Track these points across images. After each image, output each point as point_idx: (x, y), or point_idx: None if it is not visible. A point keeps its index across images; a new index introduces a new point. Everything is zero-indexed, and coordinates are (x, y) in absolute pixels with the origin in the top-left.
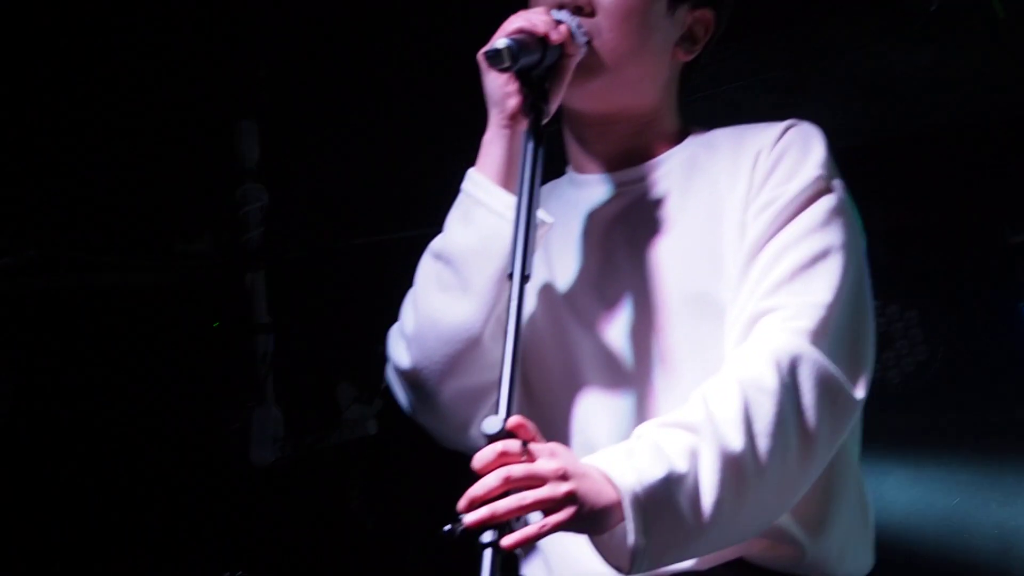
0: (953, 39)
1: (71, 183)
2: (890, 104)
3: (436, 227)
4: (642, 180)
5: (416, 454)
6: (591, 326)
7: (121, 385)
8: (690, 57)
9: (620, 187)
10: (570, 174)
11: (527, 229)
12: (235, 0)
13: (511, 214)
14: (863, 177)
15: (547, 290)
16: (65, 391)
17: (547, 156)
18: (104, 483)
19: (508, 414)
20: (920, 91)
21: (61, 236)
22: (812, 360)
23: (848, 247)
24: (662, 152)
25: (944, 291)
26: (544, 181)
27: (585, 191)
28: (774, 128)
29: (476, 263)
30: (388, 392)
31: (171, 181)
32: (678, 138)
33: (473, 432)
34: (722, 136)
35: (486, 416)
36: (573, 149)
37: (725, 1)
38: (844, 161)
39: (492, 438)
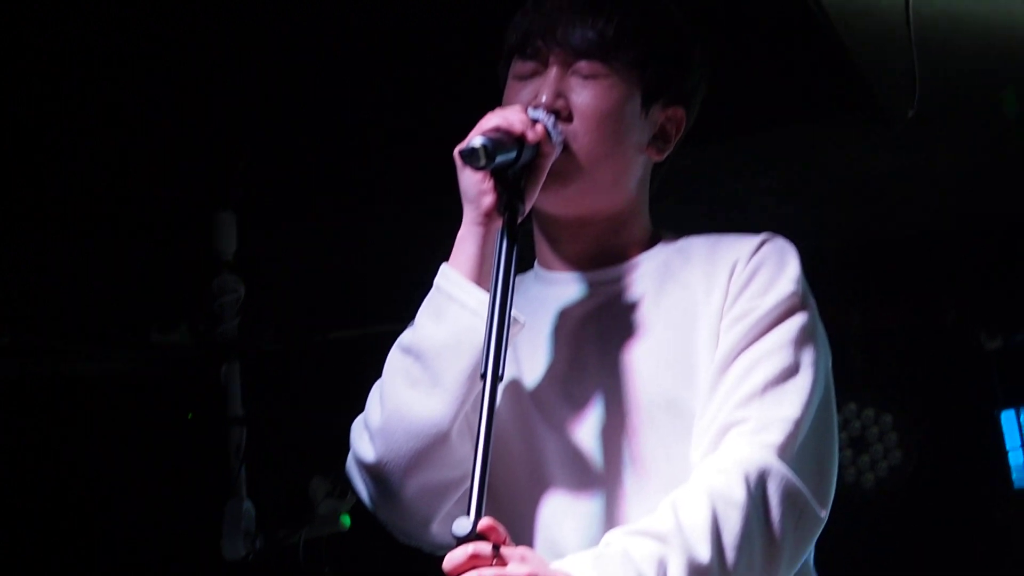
0: (931, 144)
1: (48, 271)
2: (867, 207)
3: (411, 322)
4: (614, 282)
5: (389, 551)
6: (558, 426)
7: (93, 474)
8: (662, 156)
9: (592, 287)
10: (537, 270)
11: (500, 328)
12: (213, 92)
13: (483, 311)
14: (841, 279)
15: (514, 387)
16: (36, 479)
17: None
18: (74, 574)
19: (479, 516)
20: (897, 194)
21: (36, 323)
22: (780, 475)
23: (818, 366)
24: (635, 255)
25: (920, 396)
26: None
27: (554, 288)
28: (750, 240)
29: (447, 359)
30: None
31: (148, 271)
32: (650, 242)
33: (434, 529)
34: (695, 244)
35: (447, 513)
36: (543, 247)
37: (695, 98)
38: (821, 263)
39: (462, 540)
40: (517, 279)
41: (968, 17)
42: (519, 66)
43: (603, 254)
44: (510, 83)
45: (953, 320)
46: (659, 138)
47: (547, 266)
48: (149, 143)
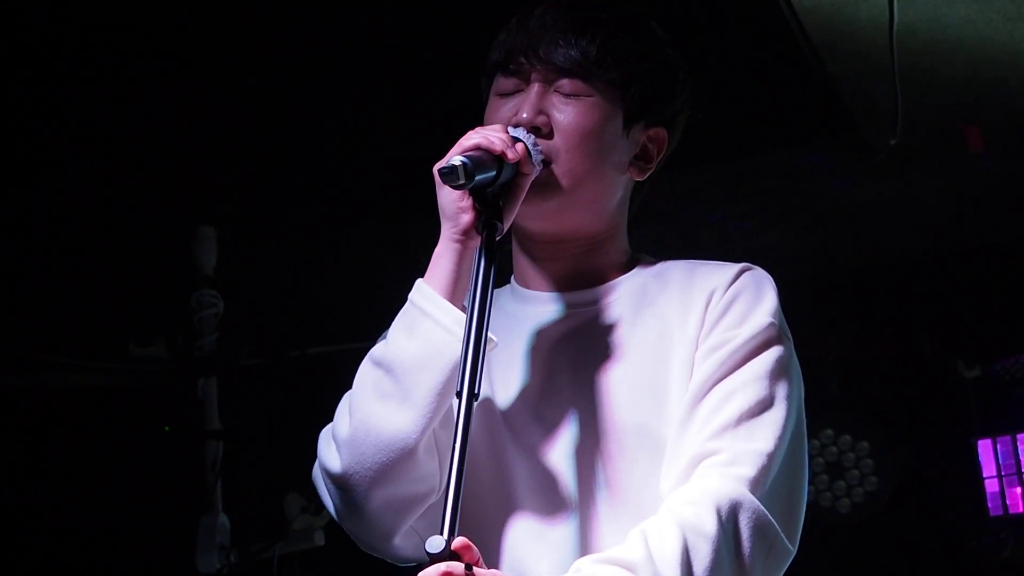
0: (912, 174)
1: (26, 283)
2: (847, 234)
3: (384, 335)
4: (591, 304)
5: (362, 567)
6: (528, 448)
7: (69, 487)
8: (644, 176)
9: (568, 308)
10: (513, 286)
11: (477, 347)
12: (194, 107)
13: (457, 329)
14: (820, 306)
15: (485, 406)
16: (12, 491)
17: (498, 271)
18: None
19: (452, 534)
20: (878, 223)
21: (13, 335)
22: (751, 508)
23: (792, 400)
24: (612, 277)
25: (897, 423)
26: None
27: (531, 307)
28: (728, 269)
29: (418, 374)
30: None
31: (127, 284)
32: (628, 265)
33: (396, 542)
34: (673, 270)
35: (410, 527)
36: (521, 264)
37: (677, 120)
38: (801, 290)
39: (435, 557)
40: (493, 294)
41: (952, 47)
42: (501, 83)
43: (580, 275)
44: (491, 100)
45: (931, 348)
46: (641, 158)
47: (524, 284)
48: (130, 157)
